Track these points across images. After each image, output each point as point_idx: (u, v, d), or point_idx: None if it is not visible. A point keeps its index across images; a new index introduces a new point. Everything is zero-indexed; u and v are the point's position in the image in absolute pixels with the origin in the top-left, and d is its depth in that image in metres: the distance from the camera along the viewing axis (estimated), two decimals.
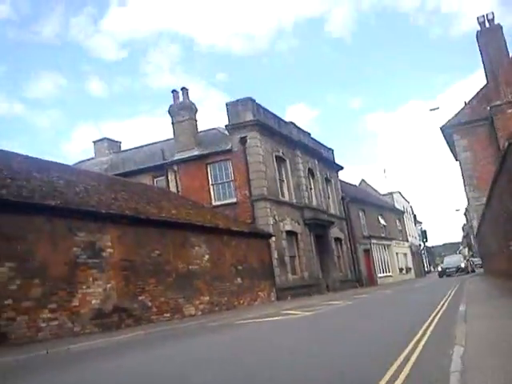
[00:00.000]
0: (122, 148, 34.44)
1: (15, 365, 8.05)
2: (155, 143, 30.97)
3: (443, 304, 12.74)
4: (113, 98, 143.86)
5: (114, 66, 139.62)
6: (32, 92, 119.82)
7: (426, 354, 5.59)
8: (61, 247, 12.17)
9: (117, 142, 34.95)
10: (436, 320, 9.15)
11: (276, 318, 13.74)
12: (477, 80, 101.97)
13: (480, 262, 43.54)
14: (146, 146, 31.90)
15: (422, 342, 6.46)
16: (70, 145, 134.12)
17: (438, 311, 10.85)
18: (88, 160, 32.63)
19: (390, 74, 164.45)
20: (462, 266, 39.18)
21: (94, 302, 12.75)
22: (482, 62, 27.29)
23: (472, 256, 54.23)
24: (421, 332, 7.42)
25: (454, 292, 17.36)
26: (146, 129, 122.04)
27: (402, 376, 4.48)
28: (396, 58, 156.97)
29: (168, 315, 15.26)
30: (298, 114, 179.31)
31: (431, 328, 7.93)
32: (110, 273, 13.50)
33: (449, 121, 29.71)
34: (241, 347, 8.39)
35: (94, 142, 34.44)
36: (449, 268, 39.29)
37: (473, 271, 39.53)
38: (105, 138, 34.18)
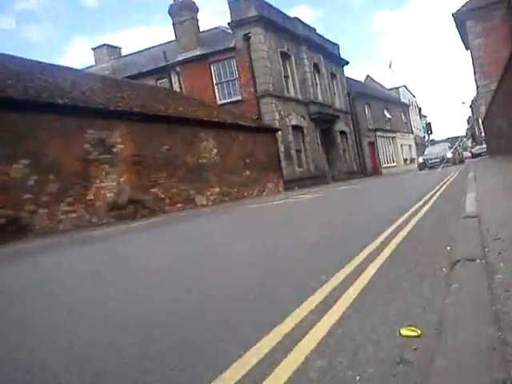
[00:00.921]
0: (123, 54, 34.04)
1: (47, 245, 8.88)
2: (156, 46, 30.50)
3: (453, 175, 14.44)
4: (106, 9, 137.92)
5: None
6: (21, 3, 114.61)
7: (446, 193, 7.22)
8: (72, 144, 12.61)
9: (117, 47, 34.41)
10: (450, 180, 10.21)
11: (284, 200, 14.51)
12: None
13: (483, 150, 43.25)
14: (147, 49, 31.48)
15: (441, 190, 8.29)
16: (67, 59, 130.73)
17: (452, 176, 11.98)
18: (88, 68, 32.35)
19: None
20: (449, 156, 31.79)
21: (108, 195, 13.44)
22: None
23: (475, 145, 52.09)
24: (441, 184, 9.25)
25: (462, 168, 18.49)
26: (144, 39, 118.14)
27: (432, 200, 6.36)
28: None
29: (180, 205, 16.06)
30: (301, 15, 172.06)
31: (447, 184, 8.93)
32: (121, 167, 14.07)
33: (463, 6, 28.66)
34: (248, 218, 9.13)
35: (94, 49, 34.01)
36: (431, 159, 32.28)
37: (461, 162, 33.51)
38: (104, 45, 33.65)
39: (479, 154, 47.61)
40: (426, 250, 3.22)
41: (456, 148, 36.81)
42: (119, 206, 13.72)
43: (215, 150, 18.44)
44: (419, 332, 1.92)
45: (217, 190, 18.07)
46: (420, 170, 31.80)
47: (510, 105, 15.19)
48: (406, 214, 4.83)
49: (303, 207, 10.75)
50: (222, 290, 2.98)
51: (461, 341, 1.76)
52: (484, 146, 45.12)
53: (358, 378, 1.58)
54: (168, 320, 2.50)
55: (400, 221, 4.51)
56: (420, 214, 4.89)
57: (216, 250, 4.76)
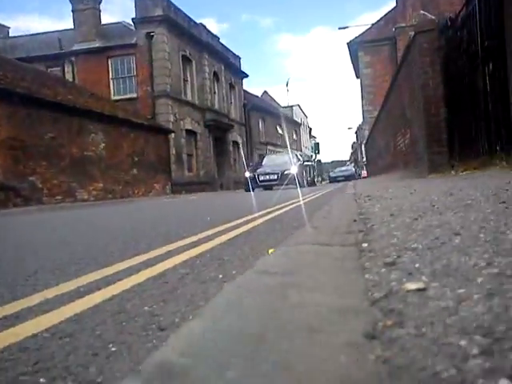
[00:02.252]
0: (11, 35, 31.62)
1: None
2: (51, 32, 28.85)
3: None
4: None
5: None
6: None
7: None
8: None
9: (5, 27, 31.80)
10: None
11: (166, 200, 14.49)
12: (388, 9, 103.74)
13: (346, 173, 40.74)
14: (40, 34, 29.59)
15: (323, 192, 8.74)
16: None
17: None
18: None
19: None
20: (292, 171, 19.67)
21: None
22: None
23: (355, 166, 52.04)
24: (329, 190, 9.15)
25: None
26: (37, 27, 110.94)
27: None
28: None
29: (60, 197, 15.29)
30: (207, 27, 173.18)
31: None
32: None
33: (356, 37, 30.96)
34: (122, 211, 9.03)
35: None
36: (265, 174, 20.35)
37: (312, 184, 23.10)
38: None
39: (335, 179, 40.27)
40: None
41: (303, 164, 22.38)
42: None
43: (103, 144, 17.87)
44: None
45: (100, 185, 17.48)
46: (247, 190, 19.91)
47: (388, 129, 16.57)
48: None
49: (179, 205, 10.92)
50: None
51: (329, 220, 2.34)
52: (348, 167, 43.98)
53: (220, 276, 1.72)
54: None
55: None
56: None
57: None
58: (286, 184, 18.91)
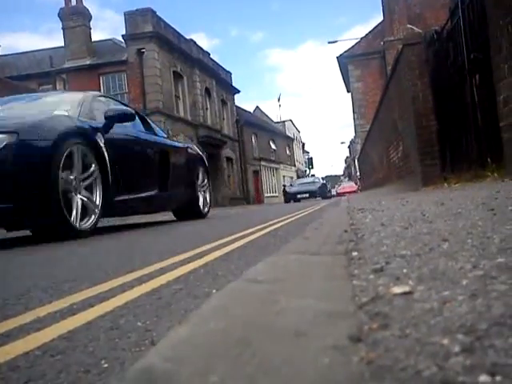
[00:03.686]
0: (1, 53, 31.75)
1: None
2: (43, 50, 29.09)
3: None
4: None
5: None
6: None
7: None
8: None
9: None
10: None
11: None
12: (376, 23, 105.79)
13: (305, 188, 31.10)
14: (31, 52, 29.82)
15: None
16: None
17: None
18: None
19: (293, 13, 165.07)
20: None
21: None
22: (381, 1, 28.87)
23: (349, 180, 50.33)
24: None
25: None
26: (29, 46, 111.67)
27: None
28: None
29: None
30: (198, 42, 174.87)
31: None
32: None
33: (345, 51, 31.40)
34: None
35: None
36: None
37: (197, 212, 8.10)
38: None
39: (294, 196, 29.50)
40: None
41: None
42: None
43: None
44: None
45: None
46: None
47: (380, 142, 16.67)
48: None
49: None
50: None
51: (320, 231, 2.35)
52: (314, 179, 34.04)
53: (214, 291, 1.69)
54: None
55: None
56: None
57: None
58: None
